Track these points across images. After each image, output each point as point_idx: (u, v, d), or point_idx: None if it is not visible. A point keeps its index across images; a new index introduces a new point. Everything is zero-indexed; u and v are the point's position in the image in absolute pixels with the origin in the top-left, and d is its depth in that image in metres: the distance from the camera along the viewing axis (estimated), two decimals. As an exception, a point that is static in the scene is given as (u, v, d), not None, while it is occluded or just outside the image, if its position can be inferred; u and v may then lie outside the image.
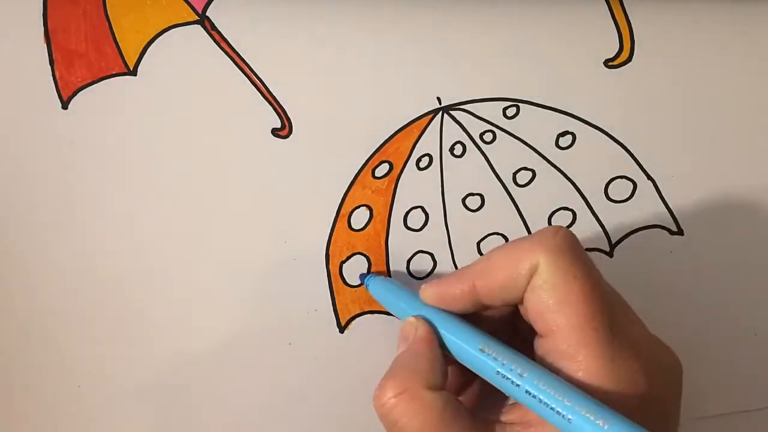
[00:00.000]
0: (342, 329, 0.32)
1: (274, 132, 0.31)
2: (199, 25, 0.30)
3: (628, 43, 0.32)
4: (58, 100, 0.30)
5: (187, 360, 0.31)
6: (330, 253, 0.31)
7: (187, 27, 0.30)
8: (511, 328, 0.28)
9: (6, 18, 0.29)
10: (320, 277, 0.31)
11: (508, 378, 0.23)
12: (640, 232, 0.33)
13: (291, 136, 0.31)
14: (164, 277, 0.31)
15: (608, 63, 0.32)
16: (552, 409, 0.21)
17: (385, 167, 0.31)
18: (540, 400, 0.22)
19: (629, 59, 0.32)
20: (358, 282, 0.32)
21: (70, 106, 0.30)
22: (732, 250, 0.34)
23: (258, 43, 0.30)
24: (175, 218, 0.31)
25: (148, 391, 0.31)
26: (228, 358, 0.31)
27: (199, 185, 0.31)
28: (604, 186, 0.33)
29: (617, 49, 0.32)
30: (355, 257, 0.32)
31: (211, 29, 0.30)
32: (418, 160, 0.31)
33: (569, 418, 0.21)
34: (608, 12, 0.32)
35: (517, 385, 0.23)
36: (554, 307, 0.23)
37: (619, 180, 0.33)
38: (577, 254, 0.24)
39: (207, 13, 0.30)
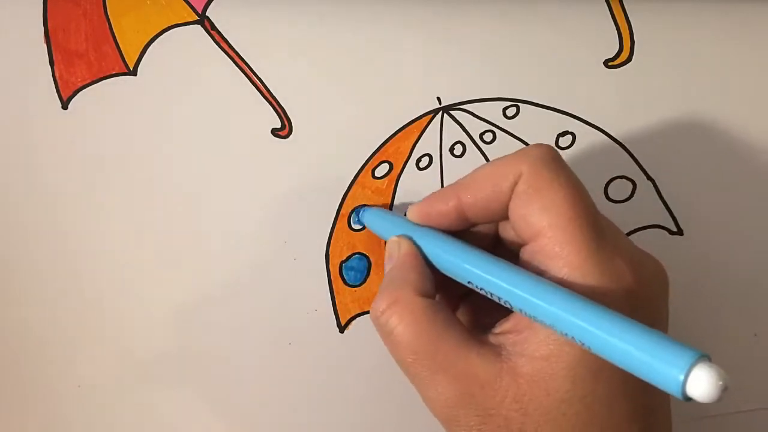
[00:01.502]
0: (342, 329, 0.32)
1: (274, 132, 0.31)
2: (199, 25, 0.30)
3: (628, 43, 0.32)
4: (58, 100, 0.30)
5: (187, 360, 0.31)
6: (330, 253, 0.31)
7: (187, 27, 0.30)
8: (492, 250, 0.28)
9: (6, 18, 0.29)
10: (320, 277, 0.31)
11: (491, 280, 0.23)
12: (640, 232, 0.33)
13: (291, 136, 0.31)
14: (164, 277, 0.31)
15: (608, 63, 0.32)
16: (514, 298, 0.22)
17: (385, 167, 0.31)
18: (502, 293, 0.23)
19: (629, 59, 0.32)
20: (358, 282, 0.32)
21: (70, 106, 0.30)
22: (732, 250, 0.34)
23: (258, 43, 0.30)
24: (175, 218, 0.31)
25: (148, 391, 0.31)
26: (228, 358, 0.31)
27: (199, 185, 0.31)
28: (604, 186, 0.33)
29: (617, 49, 0.32)
30: (355, 257, 0.32)
31: (211, 29, 0.30)
32: (418, 160, 0.31)
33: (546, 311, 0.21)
34: (608, 12, 0.32)
35: (497, 290, 0.23)
36: (539, 210, 0.24)
37: (619, 180, 0.33)
38: (560, 164, 0.25)
39: (207, 13, 0.30)
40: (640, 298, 0.23)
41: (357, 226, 0.31)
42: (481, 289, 0.24)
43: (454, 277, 0.25)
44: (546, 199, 0.24)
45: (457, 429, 0.24)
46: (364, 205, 0.31)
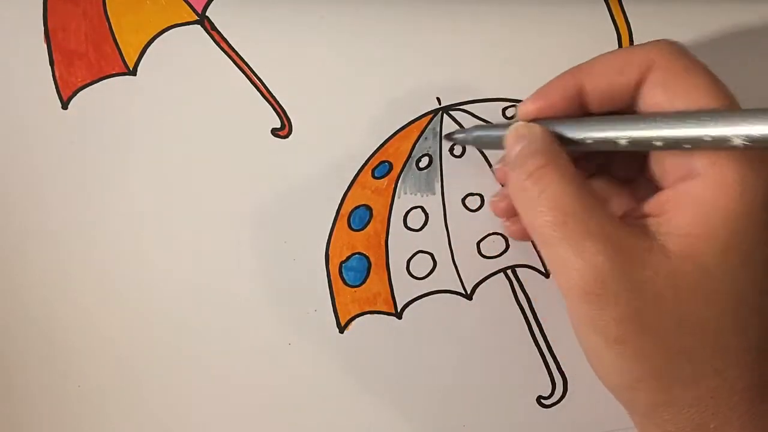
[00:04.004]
0: (342, 329, 0.32)
1: (274, 132, 0.31)
2: (199, 25, 0.30)
3: (627, 43, 0.32)
4: (58, 100, 0.30)
5: (187, 360, 0.31)
6: (330, 253, 0.31)
7: (186, 27, 0.30)
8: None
9: (6, 18, 0.29)
10: (320, 277, 0.31)
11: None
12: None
13: (291, 136, 0.31)
14: (164, 277, 0.31)
15: (607, 63, 0.32)
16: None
17: (385, 167, 0.31)
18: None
19: (628, 60, 0.32)
20: (358, 283, 0.32)
21: (70, 106, 0.30)
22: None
23: (258, 43, 0.30)
24: (175, 218, 0.31)
25: (148, 391, 0.31)
26: (228, 358, 0.31)
27: (198, 185, 0.31)
28: (603, 186, 0.33)
29: (616, 50, 0.32)
30: (354, 257, 0.32)
31: (210, 29, 0.30)
32: (418, 160, 0.32)
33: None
34: (607, 13, 0.32)
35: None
36: (681, 95, 0.23)
37: (618, 180, 0.33)
38: (690, 54, 0.24)
39: (207, 13, 0.30)
40: None
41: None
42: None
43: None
44: (687, 84, 0.23)
45: (599, 305, 0.22)
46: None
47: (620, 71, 0.25)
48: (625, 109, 0.26)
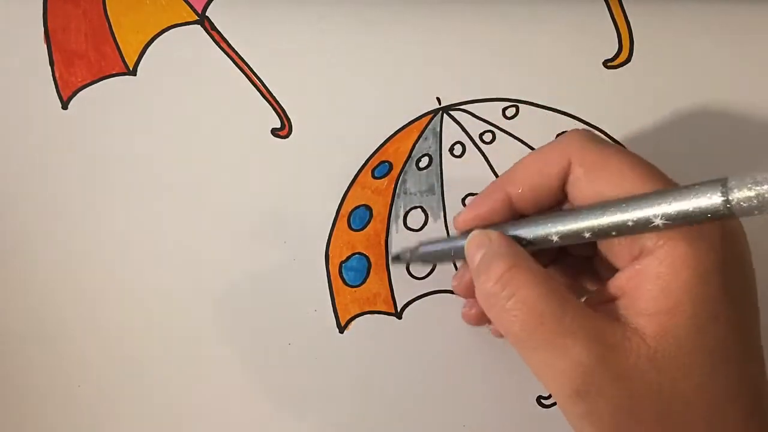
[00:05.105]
0: (342, 329, 0.32)
1: (274, 132, 0.31)
2: (199, 25, 0.30)
3: (627, 43, 0.32)
4: (58, 100, 0.30)
5: (186, 360, 0.31)
6: (330, 253, 0.31)
7: (186, 27, 0.30)
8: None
9: (6, 18, 0.29)
10: (320, 277, 0.31)
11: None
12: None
13: (291, 136, 0.31)
14: (164, 277, 0.31)
15: (607, 63, 0.32)
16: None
17: (385, 167, 0.31)
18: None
19: (628, 60, 0.32)
20: (357, 283, 0.32)
21: (70, 106, 0.30)
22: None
23: (258, 43, 0.30)
24: (175, 218, 0.31)
25: (148, 391, 0.31)
26: (228, 358, 0.31)
27: (198, 185, 0.31)
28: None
29: (616, 50, 0.32)
30: (354, 257, 0.32)
31: (210, 29, 0.30)
32: (418, 160, 0.32)
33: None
34: (607, 13, 0.32)
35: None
36: (604, 182, 0.23)
37: (618, 180, 0.33)
38: (604, 140, 0.25)
39: (207, 13, 0.30)
40: (730, 264, 0.23)
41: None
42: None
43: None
44: (607, 172, 0.23)
45: (591, 401, 0.22)
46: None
47: (540, 174, 0.25)
48: (557, 206, 0.26)
